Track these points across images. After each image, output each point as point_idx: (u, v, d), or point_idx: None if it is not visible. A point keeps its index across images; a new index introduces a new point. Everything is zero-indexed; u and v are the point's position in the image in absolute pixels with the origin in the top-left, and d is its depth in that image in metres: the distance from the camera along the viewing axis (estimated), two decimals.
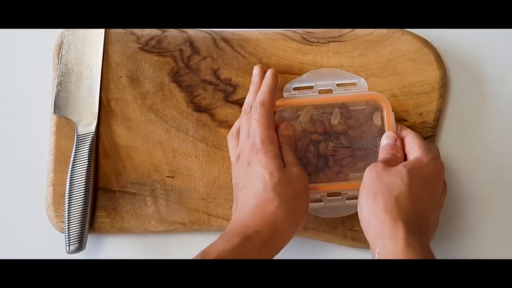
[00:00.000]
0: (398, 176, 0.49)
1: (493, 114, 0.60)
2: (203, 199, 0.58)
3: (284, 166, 0.52)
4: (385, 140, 0.54)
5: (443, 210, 0.59)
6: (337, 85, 0.56)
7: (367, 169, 0.51)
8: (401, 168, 0.50)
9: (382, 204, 0.48)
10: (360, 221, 0.50)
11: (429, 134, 0.58)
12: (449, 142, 0.60)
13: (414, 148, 0.52)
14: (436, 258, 0.58)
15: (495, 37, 0.61)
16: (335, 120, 0.56)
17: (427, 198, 0.50)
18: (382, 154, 0.53)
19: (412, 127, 0.58)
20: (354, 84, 0.56)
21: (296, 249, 0.58)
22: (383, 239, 0.47)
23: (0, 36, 0.62)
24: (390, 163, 0.51)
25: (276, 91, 0.55)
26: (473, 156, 0.60)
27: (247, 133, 0.53)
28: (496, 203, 0.59)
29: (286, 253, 0.58)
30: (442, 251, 0.59)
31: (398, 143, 0.53)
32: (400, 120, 0.58)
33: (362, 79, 0.56)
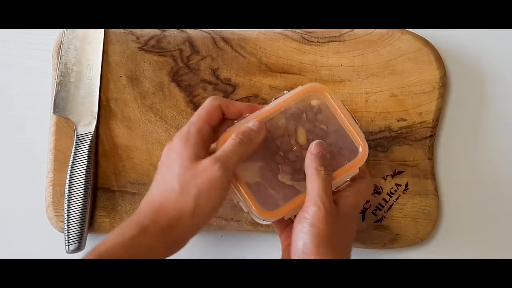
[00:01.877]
0: (348, 230, 0.50)
1: (493, 114, 0.60)
2: None
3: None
4: (316, 149, 0.50)
5: (444, 210, 0.59)
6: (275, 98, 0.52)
7: (319, 209, 0.47)
8: (344, 220, 0.49)
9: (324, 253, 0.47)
10: (295, 248, 0.48)
11: (428, 134, 0.58)
12: (448, 142, 0.60)
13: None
14: (436, 258, 0.58)
15: (495, 37, 0.61)
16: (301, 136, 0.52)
17: (349, 244, 0.51)
18: (315, 164, 0.49)
19: (411, 127, 0.58)
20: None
21: None
22: None
23: (0, 36, 0.62)
24: (330, 187, 0.49)
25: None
26: (472, 156, 0.60)
27: None
28: (496, 203, 0.59)
29: None
30: (442, 251, 0.59)
31: (328, 155, 0.50)
32: (399, 119, 0.58)
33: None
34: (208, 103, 0.50)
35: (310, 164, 0.49)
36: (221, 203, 0.48)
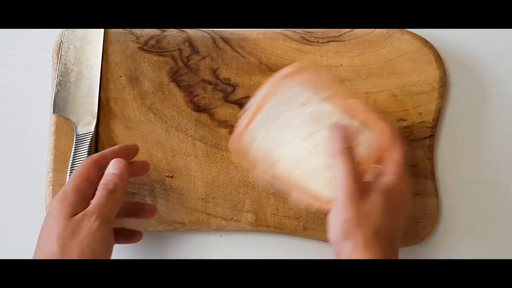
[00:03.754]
0: (377, 207, 0.47)
1: (493, 114, 0.60)
2: (202, 198, 0.58)
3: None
4: (332, 133, 0.49)
5: (444, 210, 0.59)
6: None
7: (342, 196, 0.47)
8: (378, 196, 0.48)
9: (363, 238, 0.46)
10: (333, 242, 0.48)
11: (428, 134, 0.58)
12: (448, 142, 0.60)
13: (391, 168, 0.50)
14: (436, 258, 0.58)
15: (495, 37, 0.61)
16: None
17: (402, 221, 0.50)
18: (335, 151, 0.49)
19: (411, 127, 0.58)
20: None
21: (296, 249, 0.58)
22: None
23: (0, 36, 0.62)
24: (352, 170, 0.48)
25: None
26: (472, 156, 0.60)
27: None
28: (496, 202, 0.59)
29: (286, 253, 0.59)
30: (442, 251, 0.59)
31: (348, 131, 0.49)
32: (399, 119, 0.58)
33: None
34: (83, 162, 0.51)
35: (331, 151, 0.49)
36: (110, 251, 0.48)
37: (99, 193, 0.49)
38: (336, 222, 0.47)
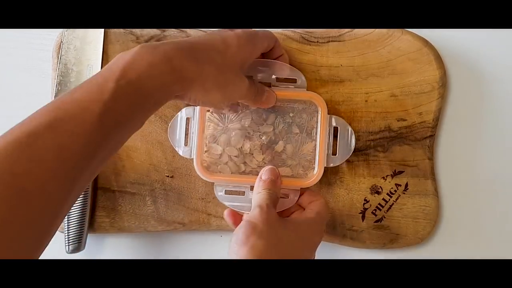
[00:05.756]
0: (287, 235, 0.49)
1: (492, 114, 0.60)
2: (203, 198, 0.58)
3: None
4: (266, 175, 0.53)
5: (444, 210, 0.59)
6: (277, 79, 0.56)
7: (259, 210, 0.49)
8: (294, 225, 0.50)
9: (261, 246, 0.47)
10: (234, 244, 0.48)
11: (428, 134, 0.58)
12: (448, 142, 0.60)
13: (310, 204, 0.53)
14: (436, 258, 0.58)
15: (495, 37, 0.61)
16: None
17: (305, 252, 0.51)
18: (261, 187, 0.52)
19: (411, 127, 0.58)
20: (294, 80, 0.57)
21: None
22: None
23: (0, 36, 0.62)
24: (274, 202, 0.51)
25: None
26: (472, 156, 0.60)
27: None
28: (496, 203, 0.59)
29: None
30: (442, 251, 0.59)
31: (279, 181, 0.53)
32: (399, 119, 0.58)
33: (303, 77, 0.57)
34: (273, 40, 0.54)
35: (258, 187, 0.53)
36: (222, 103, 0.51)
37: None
38: (241, 233, 0.47)
